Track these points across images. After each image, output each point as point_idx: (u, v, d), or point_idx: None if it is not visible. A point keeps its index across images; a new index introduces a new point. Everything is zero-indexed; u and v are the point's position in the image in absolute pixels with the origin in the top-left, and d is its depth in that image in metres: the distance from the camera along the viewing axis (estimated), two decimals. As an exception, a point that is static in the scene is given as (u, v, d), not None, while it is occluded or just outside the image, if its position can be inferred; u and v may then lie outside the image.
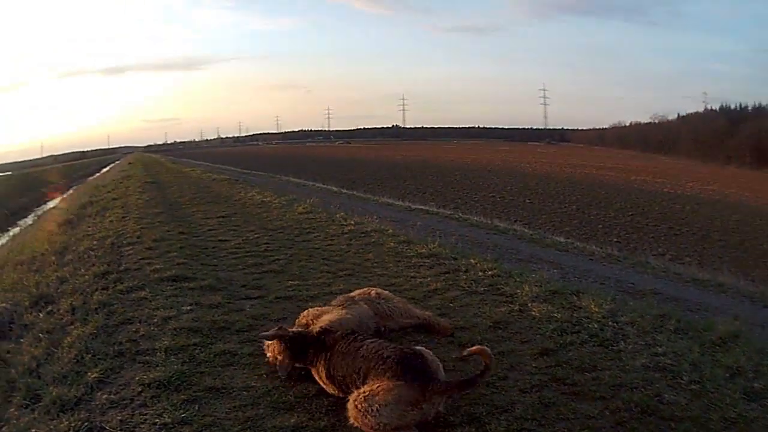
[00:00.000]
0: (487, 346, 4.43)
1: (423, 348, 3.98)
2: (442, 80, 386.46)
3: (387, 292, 5.75)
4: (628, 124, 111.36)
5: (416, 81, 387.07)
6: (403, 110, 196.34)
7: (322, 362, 4.14)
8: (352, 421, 3.63)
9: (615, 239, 20.61)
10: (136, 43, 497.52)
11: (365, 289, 5.72)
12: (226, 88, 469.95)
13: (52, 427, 4.01)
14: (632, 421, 3.81)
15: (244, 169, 42.88)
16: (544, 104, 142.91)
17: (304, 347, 4.34)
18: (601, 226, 24.15)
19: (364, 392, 3.62)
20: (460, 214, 16.14)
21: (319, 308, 5.21)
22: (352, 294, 5.61)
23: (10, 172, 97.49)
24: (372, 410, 3.50)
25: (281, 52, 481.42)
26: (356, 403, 3.60)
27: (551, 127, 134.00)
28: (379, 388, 3.56)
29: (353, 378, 3.89)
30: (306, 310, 5.18)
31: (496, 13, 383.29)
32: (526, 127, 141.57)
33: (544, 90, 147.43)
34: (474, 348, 3.82)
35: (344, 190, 23.96)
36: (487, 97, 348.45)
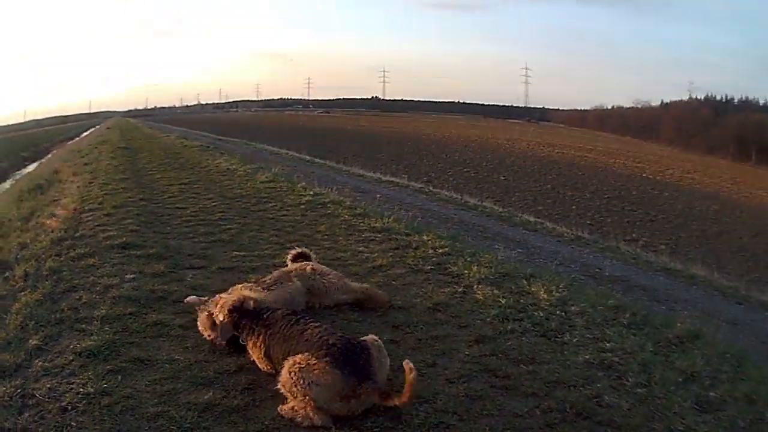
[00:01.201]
0: (422, 328, 4.59)
1: (374, 342, 3.74)
2: (425, 55, 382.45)
3: (324, 267, 5.68)
4: (609, 108, 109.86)
5: (399, 55, 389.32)
6: (384, 82, 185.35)
7: (260, 339, 4.08)
8: (280, 385, 3.63)
9: (588, 222, 19.95)
10: (122, 6, 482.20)
11: (302, 263, 5.64)
12: (205, 54, 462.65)
13: None
14: (564, 424, 3.52)
15: (220, 135, 41.80)
16: (526, 83, 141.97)
17: (246, 320, 4.29)
18: (575, 207, 23.38)
19: (300, 362, 3.57)
20: (431, 188, 16.00)
21: (249, 284, 5.17)
22: (288, 269, 5.58)
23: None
24: (303, 382, 3.49)
25: (260, 21, 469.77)
26: (291, 369, 3.57)
27: (532, 106, 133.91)
28: (317, 366, 3.52)
29: (279, 356, 3.89)
30: (236, 286, 5.08)
31: None
32: (507, 105, 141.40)
33: (526, 69, 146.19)
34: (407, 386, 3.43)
35: (317, 160, 23.54)
36: (470, 74, 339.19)
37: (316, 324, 3.92)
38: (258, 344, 4.07)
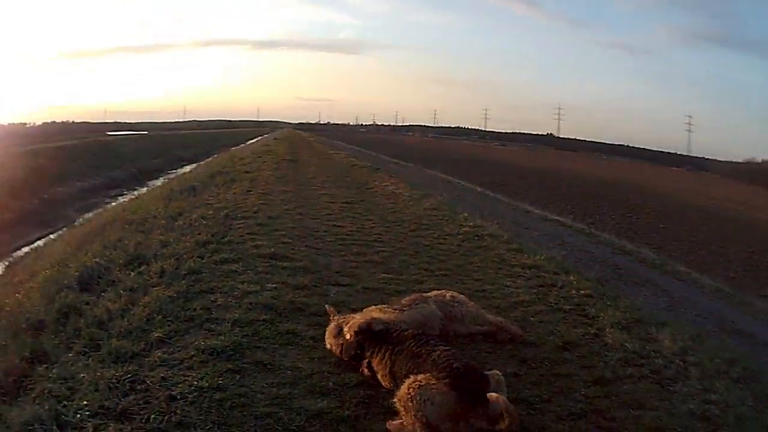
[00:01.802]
0: (546, 365, 5.11)
1: (496, 374, 4.26)
2: (595, 93, 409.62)
3: (462, 296, 6.18)
4: (760, 161, 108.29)
5: (570, 91, 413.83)
6: (559, 119, 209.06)
7: (387, 356, 4.60)
8: (396, 399, 4.09)
9: (731, 274, 19.53)
10: (289, 20, 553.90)
11: (442, 291, 6.18)
12: (384, 75, 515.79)
13: (98, 374, 4.66)
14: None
15: (392, 158, 44.58)
16: (689, 131, 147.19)
17: (368, 341, 4.85)
18: (722, 259, 23.02)
19: (421, 380, 4.05)
20: (592, 230, 16.48)
21: (383, 306, 5.70)
22: (427, 294, 6.07)
23: (146, 132, 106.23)
24: (419, 398, 3.94)
25: (440, 47, 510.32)
26: (411, 386, 4.04)
27: (694, 155, 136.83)
28: (435, 386, 3.99)
29: (401, 375, 4.33)
30: (370, 307, 5.66)
31: (644, 35, 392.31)
32: (669, 151, 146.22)
33: (689, 117, 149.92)
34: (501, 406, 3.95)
35: (487, 192, 24.74)
36: (633, 116, 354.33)
37: (446, 347, 4.40)
38: (384, 361, 4.62)
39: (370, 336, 4.84)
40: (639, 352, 5.79)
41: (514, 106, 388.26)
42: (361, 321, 4.93)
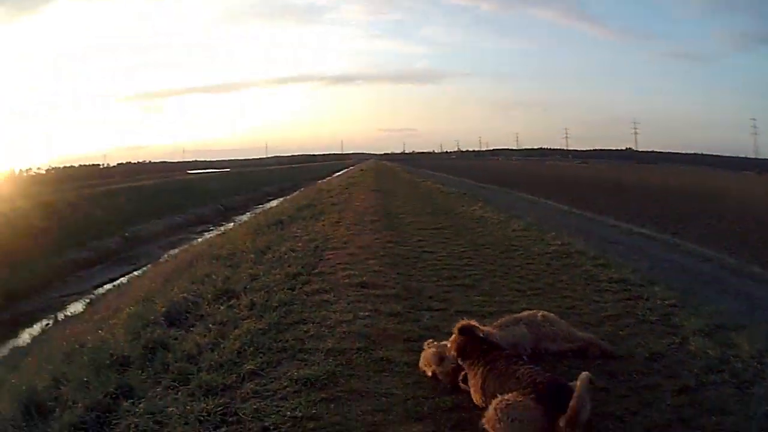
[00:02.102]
0: (634, 377, 5.41)
1: (584, 378, 4.28)
2: (664, 104, 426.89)
3: (553, 315, 6.28)
4: None
5: (642, 103, 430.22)
6: (635, 133, 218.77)
7: (480, 372, 4.74)
8: (484, 421, 4.23)
9: None
10: (363, 54, 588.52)
11: (533, 311, 6.28)
12: (463, 102, 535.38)
13: (188, 408, 4.77)
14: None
15: (478, 182, 45.70)
16: (755, 134, 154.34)
17: (474, 350, 4.95)
18: None
19: (507, 399, 4.20)
20: (676, 240, 16.43)
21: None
22: (519, 315, 6.20)
23: (228, 169, 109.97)
24: (506, 418, 4.09)
25: (514, 72, 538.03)
26: (497, 406, 4.18)
27: (762, 157, 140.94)
28: (521, 403, 4.14)
29: (490, 393, 4.46)
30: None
31: (702, 41, 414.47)
32: (737, 156, 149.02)
33: (754, 120, 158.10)
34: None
35: (574, 210, 24.80)
36: (699, 123, 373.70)
37: (530, 366, 4.59)
38: (477, 377, 4.77)
39: (471, 341, 4.99)
40: (720, 358, 5.86)
41: (592, 123, 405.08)
42: (466, 322, 5.08)
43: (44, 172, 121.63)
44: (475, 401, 4.73)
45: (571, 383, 4.28)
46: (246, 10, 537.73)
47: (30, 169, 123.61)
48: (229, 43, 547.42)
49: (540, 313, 6.17)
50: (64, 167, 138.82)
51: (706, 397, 5.02)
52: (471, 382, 4.85)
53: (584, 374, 4.24)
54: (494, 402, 4.25)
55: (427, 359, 5.34)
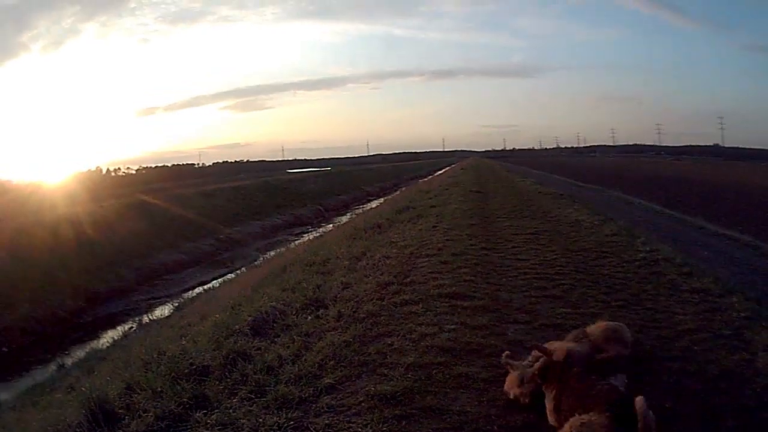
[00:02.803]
0: (702, 396, 5.46)
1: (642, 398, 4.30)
2: (749, 99, 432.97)
3: (623, 327, 6.40)
4: None
5: (727, 98, 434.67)
6: (722, 129, 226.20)
7: (554, 392, 4.85)
8: None
9: None
10: (460, 48, 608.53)
11: (601, 323, 6.40)
12: (559, 97, 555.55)
13: (260, 420, 5.01)
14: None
15: (576, 181, 46.47)
16: None
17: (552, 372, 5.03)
18: None
19: (583, 419, 4.26)
20: (759, 243, 16.11)
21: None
22: (588, 329, 6.29)
23: (329, 168, 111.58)
24: None
25: (605, 63, 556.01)
26: (573, 425, 4.28)
27: None
28: (597, 422, 4.17)
29: (565, 411, 4.53)
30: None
31: None
32: None
33: None
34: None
35: (665, 210, 24.92)
36: None
37: (605, 383, 4.66)
38: (552, 397, 4.86)
39: (551, 365, 5.08)
40: None
41: (680, 117, 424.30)
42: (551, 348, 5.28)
43: (134, 172, 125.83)
44: (550, 422, 4.79)
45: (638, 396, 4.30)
46: (340, 4, 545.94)
47: (119, 168, 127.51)
48: (325, 39, 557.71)
49: (604, 324, 6.33)
50: (156, 167, 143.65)
51: (764, 418, 5.10)
52: (547, 405, 4.93)
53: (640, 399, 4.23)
54: (570, 422, 4.33)
55: (511, 382, 5.43)
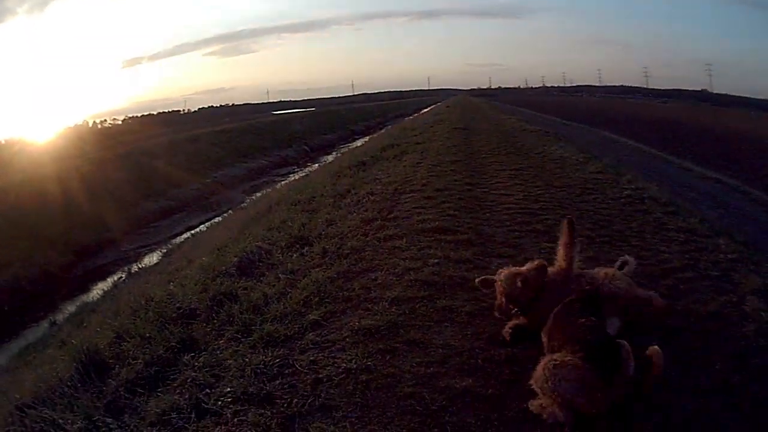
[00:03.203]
0: (688, 337, 5.40)
1: (624, 342, 4.32)
2: (741, 51, 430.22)
3: (617, 271, 6.21)
4: None
5: (714, 47, 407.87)
6: (710, 76, 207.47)
7: (546, 312, 4.78)
8: (533, 381, 4.26)
9: None
10: None
11: (598, 269, 6.23)
12: (547, 38, 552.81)
13: (246, 360, 5.05)
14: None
15: (562, 119, 46.48)
16: None
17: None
18: None
19: (555, 359, 4.22)
20: (747, 188, 16.40)
21: None
22: (582, 272, 6.13)
23: (314, 108, 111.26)
24: (554, 378, 4.11)
25: (594, 6, 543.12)
26: (545, 366, 4.20)
27: None
28: (570, 362, 4.15)
29: (554, 343, 4.47)
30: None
31: None
32: None
33: None
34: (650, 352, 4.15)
35: (652, 150, 25.11)
36: None
37: (585, 320, 4.50)
38: (541, 315, 4.85)
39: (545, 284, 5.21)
40: None
41: (669, 63, 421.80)
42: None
43: (120, 122, 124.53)
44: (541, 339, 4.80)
45: (619, 340, 4.33)
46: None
47: (105, 120, 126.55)
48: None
49: (603, 271, 6.12)
50: (142, 116, 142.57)
51: (753, 364, 5.00)
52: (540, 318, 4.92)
53: (655, 348, 4.26)
54: (543, 361, 4.29)
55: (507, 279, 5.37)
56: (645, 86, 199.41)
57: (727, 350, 5.20)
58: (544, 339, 4.67)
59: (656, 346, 4.24)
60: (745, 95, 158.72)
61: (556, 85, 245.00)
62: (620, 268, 6.32)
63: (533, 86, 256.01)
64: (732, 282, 6.84)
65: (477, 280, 5.63)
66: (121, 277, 17.43)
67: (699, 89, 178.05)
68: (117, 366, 5.63)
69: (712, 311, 6.02)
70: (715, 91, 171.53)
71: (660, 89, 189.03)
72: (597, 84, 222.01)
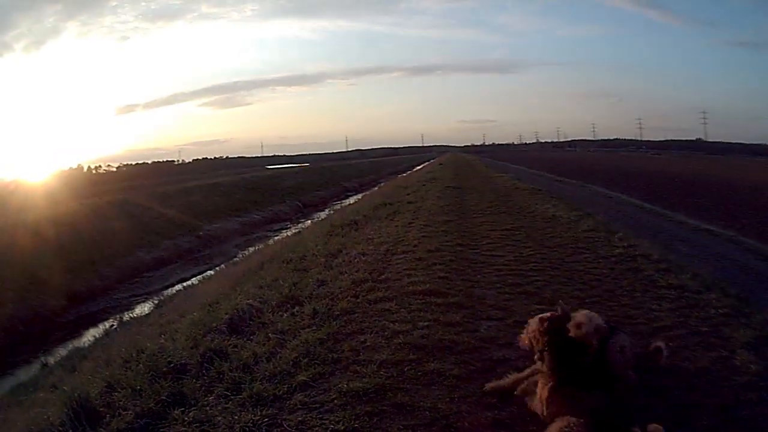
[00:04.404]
0: (676, 394, 5.46)
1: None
2: (732, 94, 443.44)
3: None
4: None
5: (711, 93, 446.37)
6: (705, 124, 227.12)
7: (543, 385, 4.90)
8: None
9: None
10: (440, 44, 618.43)
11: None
12: (540, 93, 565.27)
13: (236, 417, 5.10)
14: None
15: (556, 175, 46.48)
16: None
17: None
18: None
19: (562, 428, 4.31)
20: (741, 237, 16.23)
21: None
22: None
23: (308, 164, 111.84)
24: None
25: (587, 60, 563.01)
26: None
27: None
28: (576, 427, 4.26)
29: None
30: None
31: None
32: None
33: None
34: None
35: (645, 205, 24.93)
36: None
37: (582, 391, 4.67)
38: (542, 387, 4.89)
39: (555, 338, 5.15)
40: (762, 374, 5.85)
41: (664, 113, 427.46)
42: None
43: (115, 170, 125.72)
44: (538, 411, 4.90)
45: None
46: (319, 1, 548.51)
47: (100, 166, 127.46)
48: (304, 35, 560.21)
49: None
50: (137, 164, 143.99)
51: (742, 417, 5.09)
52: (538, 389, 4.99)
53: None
54: (550, 428, 4.41)
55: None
56: (639, 138, 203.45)
57: (715, 406, 5.26)
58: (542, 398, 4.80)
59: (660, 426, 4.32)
60: (739, 141, 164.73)
61: (550, 141, 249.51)
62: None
63: (527, 142, 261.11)
64: (721, 337, 6.93)
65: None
66: (113, 325, 17.37)
67: (694, 138, 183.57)
68: (108, 416, 5.69)
69: (702, 367, 6.10)
70: (709, 139, 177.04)
71: (655, 140, 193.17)
72: (591, 138, 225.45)
